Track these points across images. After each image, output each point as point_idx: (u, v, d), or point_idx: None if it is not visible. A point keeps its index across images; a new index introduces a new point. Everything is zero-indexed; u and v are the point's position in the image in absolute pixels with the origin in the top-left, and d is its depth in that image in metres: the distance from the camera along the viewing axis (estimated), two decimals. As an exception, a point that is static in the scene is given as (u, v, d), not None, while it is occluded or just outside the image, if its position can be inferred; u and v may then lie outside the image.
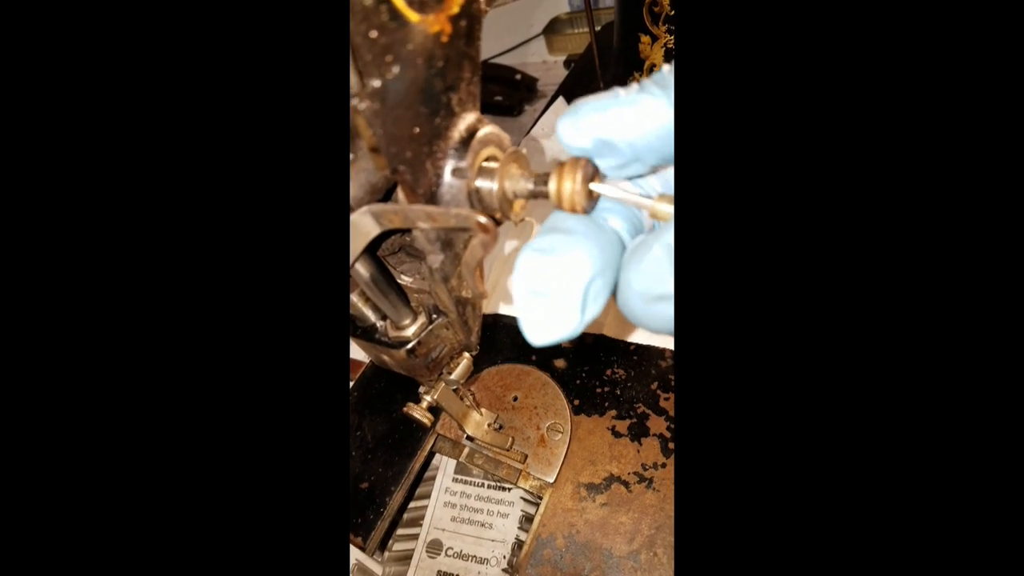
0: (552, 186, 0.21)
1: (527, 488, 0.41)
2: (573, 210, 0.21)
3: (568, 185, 0.20)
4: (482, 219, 0.21)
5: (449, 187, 0.22)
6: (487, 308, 0.54)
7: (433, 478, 0.52)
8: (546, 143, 0.68)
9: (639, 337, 0.46)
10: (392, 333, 0.29)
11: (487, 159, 0.24)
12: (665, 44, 0.67)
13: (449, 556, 0.48)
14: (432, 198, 0.22)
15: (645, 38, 0.67)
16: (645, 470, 0.38)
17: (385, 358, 0.30)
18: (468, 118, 0.23)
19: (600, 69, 0.72)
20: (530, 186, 0.22)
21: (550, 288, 0.16)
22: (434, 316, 0.29)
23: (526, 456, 0.41)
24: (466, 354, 0.33)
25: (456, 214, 0.21)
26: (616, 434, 0.40)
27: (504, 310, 0.54)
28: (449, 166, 0.23)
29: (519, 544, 0.44)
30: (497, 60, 1.06)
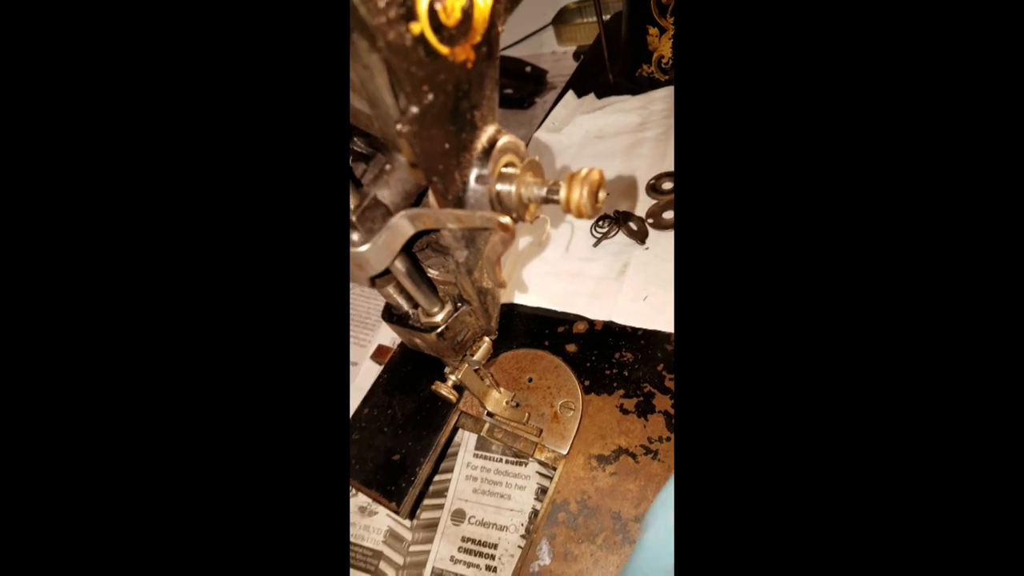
0: (562, 194, 0.24)
1: (543, 459, 0.44)
2: (580, 215, 0.24)
3: (576, 194, 0.23)
4: (504, 220, 0.24)
5: (473, 192, 0.26)
6: (504, 298, 0.58)
7: (456, 454, 0.56)
8: (556, 138, 0.70)
9: (646, 323, 0.49)
10: (423, 319, 0.33)
11: (506, 165, 0.27)
12: (673, 36, 0.68)
13: (472, 524, 0.53)
14: (459, 202, 0.26)
15: (653, 30, 0.69)
16: (651, 443, 0.41)
17: (417, 341, 0.34)
18: (489, 130, 0.26)
19: (609, 61, 0.74)
20: (543, 193, 0.25)
21: None
22: (459, 304, 0.33)
23: (541, 430, 0.45)
24: (486, 338, 0.37)
25: (481, 216, 0.24)
26: (624, 411, 0.44)
27: (519, 299, 0.58)
28: (473, 173, 0.26)
29: (535, 513, 0.48)
30: (507, 52, 1.07)
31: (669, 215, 0.55)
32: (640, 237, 0.55)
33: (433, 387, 0.39)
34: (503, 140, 0.27)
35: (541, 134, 0.72)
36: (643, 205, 0.58)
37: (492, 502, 0.54)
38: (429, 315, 0.32)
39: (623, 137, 0.65)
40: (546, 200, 0.25)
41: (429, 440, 0.48)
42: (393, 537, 0.53)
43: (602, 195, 0.24)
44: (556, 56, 1.03)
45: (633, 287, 0.51)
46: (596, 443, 0.43)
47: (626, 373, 0.46)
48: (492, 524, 0.52)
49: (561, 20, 1.03)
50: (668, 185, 0.57)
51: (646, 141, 0.63)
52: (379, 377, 0.54)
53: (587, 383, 0.47)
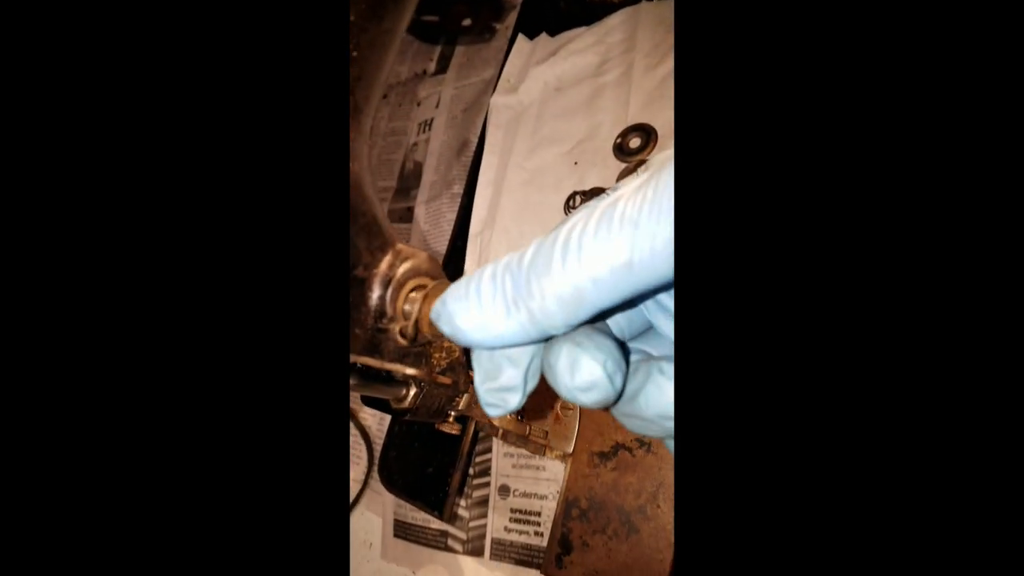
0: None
1: (552, 458, 0.48)
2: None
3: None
4: (410, 370, 0.25)
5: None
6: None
7: (490, 436, 0.62)
8: (515, 99, 0.64)
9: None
10: (394, 405, 0.35)
11: (413, 289, 0.27)
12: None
13: (516, 496, 0.60)
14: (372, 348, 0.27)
15: (598, -68, 0.58)
16: (644, 437, 0.43)
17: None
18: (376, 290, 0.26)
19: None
20: None
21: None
22: (423, 384, 0.35)
23: (546, 432, 0.48)
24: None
25: (392, 366, 0.25)
26: (618, 404, 0.46)
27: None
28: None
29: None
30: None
31: (641, 178, 0.51)
32: (615, 210, 0.51)
33: (436, 426, 0.43)
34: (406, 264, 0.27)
35: (498, 98, 0.66)
36: (613, 171, 0.54)
37: (530, 474, 0.60)
38: (398, 401, 0.35)
39: (583, 85, 0.58)
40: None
41: (454, 450, 0.53)
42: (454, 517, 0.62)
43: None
44: (509, -33, 0.90)
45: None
46: (596, 440, 0.46)
47: (617, 363, 0.47)
48: (533, 494, 0.59)
49: (504, -81, 0.88)
50: (636, 142, 0.52)
51: (606, 88, 0.56)
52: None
53: (582, 379, 0.49)
